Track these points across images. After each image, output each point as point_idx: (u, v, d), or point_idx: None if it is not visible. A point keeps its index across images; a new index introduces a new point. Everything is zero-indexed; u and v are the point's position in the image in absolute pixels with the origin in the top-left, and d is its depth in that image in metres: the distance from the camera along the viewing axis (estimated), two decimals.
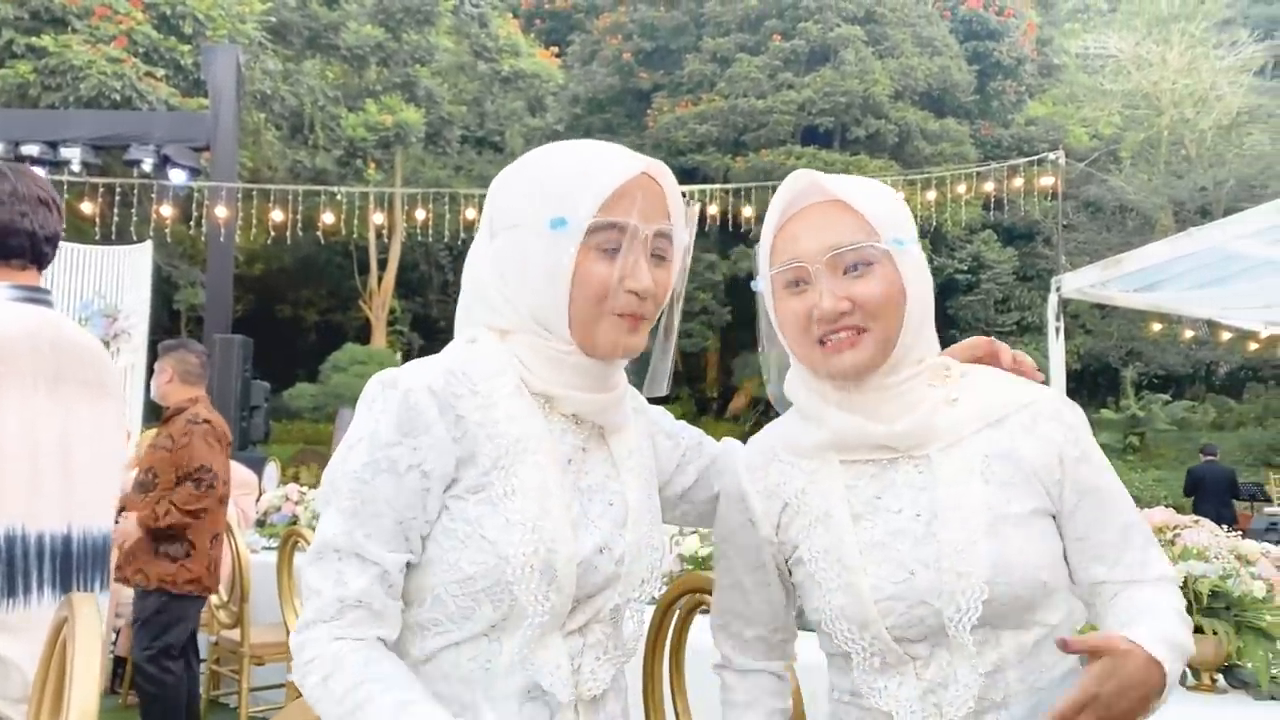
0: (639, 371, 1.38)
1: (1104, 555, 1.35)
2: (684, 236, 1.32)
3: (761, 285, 1.42)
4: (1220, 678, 2.21)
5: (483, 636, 1.21)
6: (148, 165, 11.80)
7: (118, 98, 16.60)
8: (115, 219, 13.13)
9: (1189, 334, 18.97)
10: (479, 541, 1.19)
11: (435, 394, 1.22)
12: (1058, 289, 11.75)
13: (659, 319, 1.33)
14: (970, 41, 29.47)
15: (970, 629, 1.27)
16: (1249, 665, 2.08)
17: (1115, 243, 22.49)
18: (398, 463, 1.19)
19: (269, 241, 15.75)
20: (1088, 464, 1.36)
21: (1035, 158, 16.11)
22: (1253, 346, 18.23)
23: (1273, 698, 2.08)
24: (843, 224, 1.34)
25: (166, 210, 12.29)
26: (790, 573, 1.45)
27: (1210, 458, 14.55)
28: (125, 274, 11.80)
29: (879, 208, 1.35)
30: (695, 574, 2.06)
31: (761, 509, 1.45)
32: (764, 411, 28.47)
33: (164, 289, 21.53)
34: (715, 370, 29.44)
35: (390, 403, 1.21)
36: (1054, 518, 1.36)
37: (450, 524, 1.22)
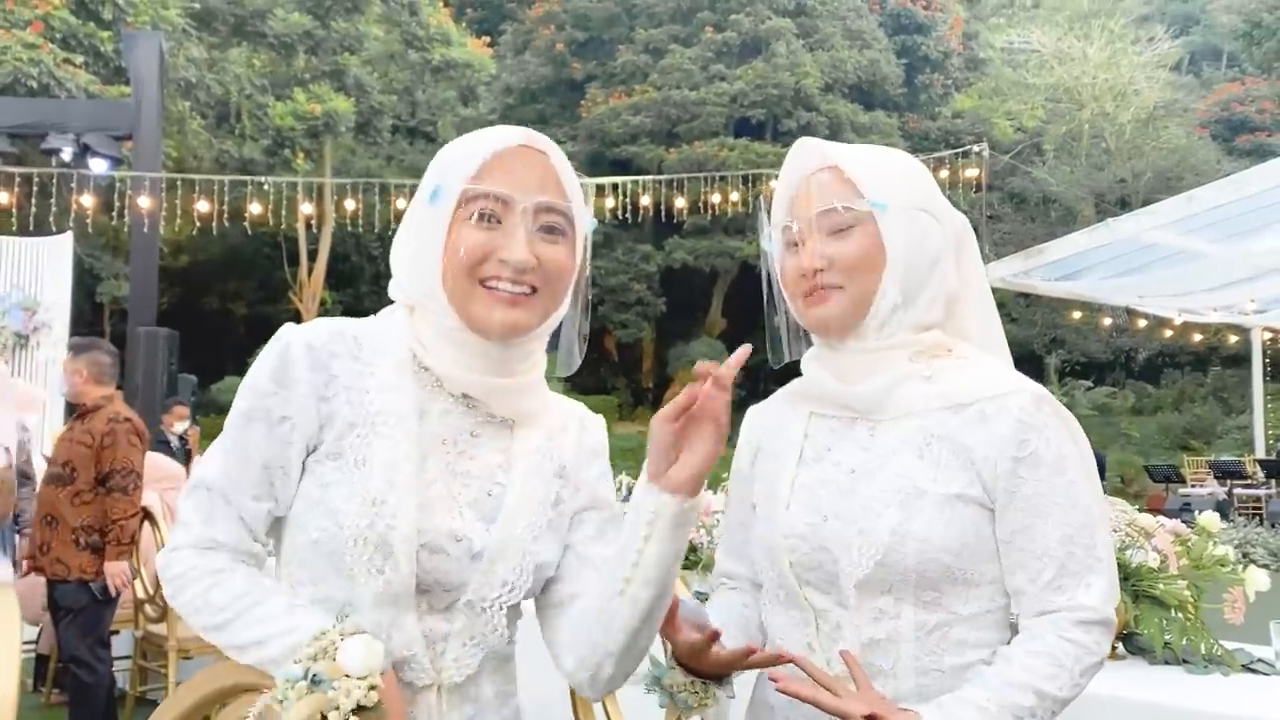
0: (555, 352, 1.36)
1: (1025, 565, 1.33)
2: (584, 216, 1.30)
3: (769, 245, 1.48)
4: (1120, 645, 2.32)
5: (339, 606, 1.20)
6: (67, 154, 11.51)
7: (34, 85, 16.14)
8: (34, 209, 12.78)
9: (1108, 321, 19.55)
10: (323, 508, 1.20)
11: (312, 349, 1.24)
12: None
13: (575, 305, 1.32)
14: (899, 35, 29.93)
15: (858, 586, 1.32)
16: (1145, 632, 2.18)
17: (1039, 233, 23.02)
18: (271, 412, 1.22)
19: (195, 233, 15.45)
20: (1035, 468, 1.32)
21: (961, 150, 16.41)
22: (1168, 333, 18.84)
23: (1167, 662, 2.19)
24: (830, 188, 1.39)
25: (87, 200, 11.98)
26: (755, 508, 1.52)
27: None
28: (45, 266, 11.50)
29: (870, 171, 1.40)
30: None
31: (745, 449, 1.58)
32: None
33: (86, 281, 21.00)
34: (650, 361, 29.53)
35: (271, 354, 1.24)
36: (991, 511, 1.35)
37: (307, 486, 1.23)
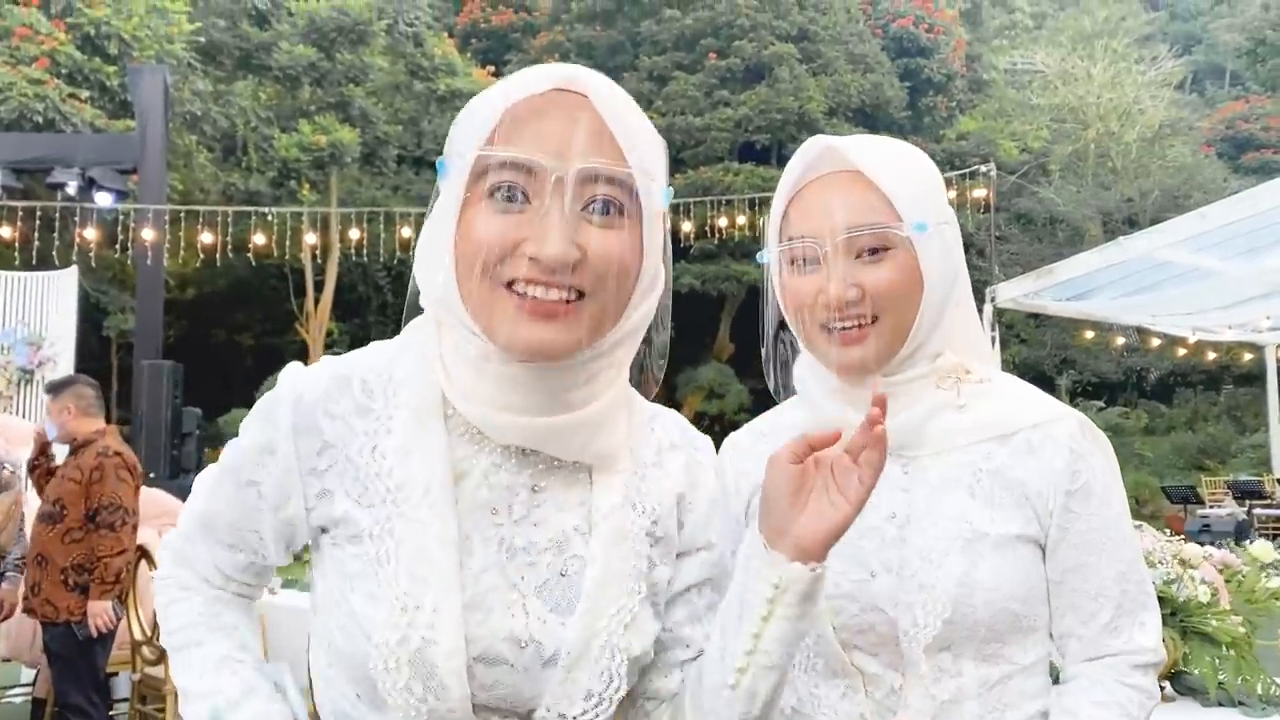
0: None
1: (1078, 607, 1.22)
2: (656, 184, 0.94)
3: (768, 258, 1.30)
4: (1168, 685, 2.18)
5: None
6: (72, 188, 11.49)
7: (40, 120, 16.16)
8: (38, 244, 12.75)
9: (1120, 341, 19.39)
10: (347, 609, 0.94)
11: (301, 409, 0.98)
12: (992, 299, 11.92)
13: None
14: (901, 58, 29.93)
15: (925, 648, 1.17)
16: (1196, 671, 2.05)
17: (1047, 253, 22.90)
18: (241, 471, 1.04)
19: (200, 265, 15.42)
20: (1087, 500, 1.22)
21: (967, 170, 16.34)
22: (1181, 352, 18.67)
23: (1220, 704, 2.06)
24: (863, 201, 1.20)
25: (91, 234, 11.96)
26: None
27: None
28: (50, 300, 11.47)
29: (904, 184, 1.21)
30: None
31: (735, 489, 1.37)
32: (709, 427, 28.50)
33: (93, 315, 20.97)
34: (659, 387, 29.39)
35: (263, 406, 1.04)
36: (1043, 549, 1.24)
37: (330, 574, 0.98)
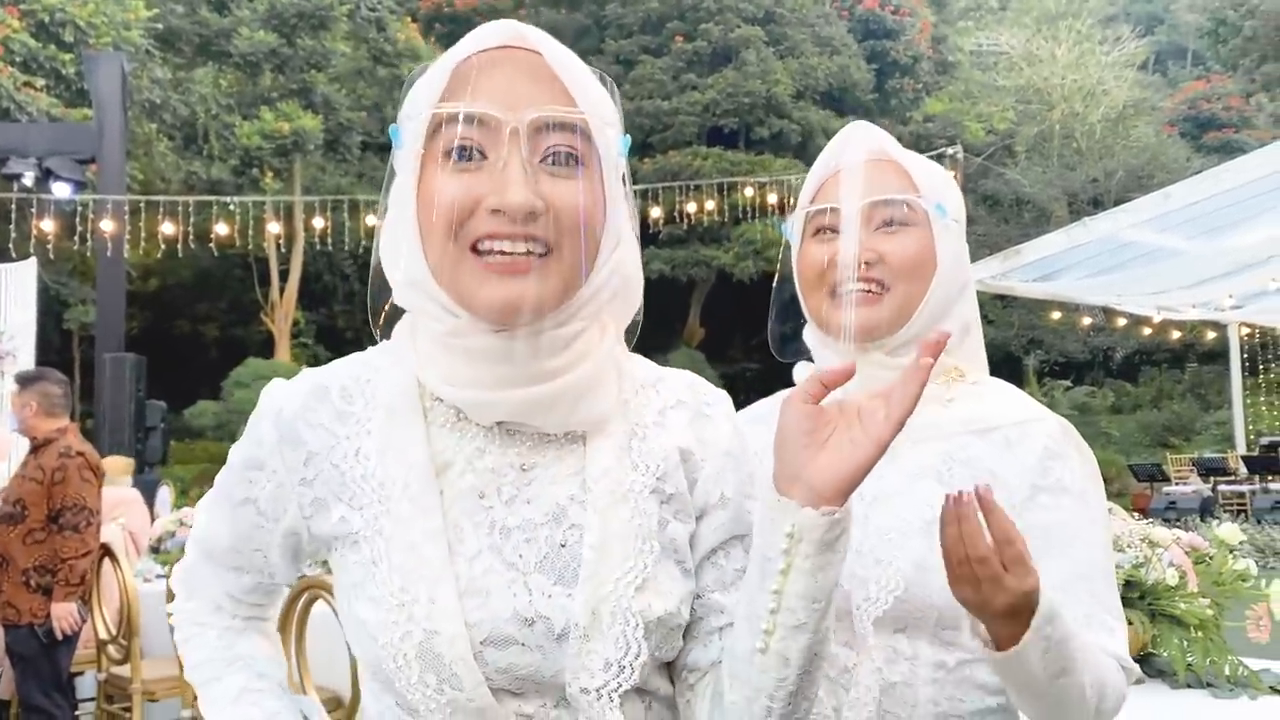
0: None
1: None
2: (610, 129, 0.92)
3: (791, 226, 1.34)
4: (1138, 667, 2.18)
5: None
6: (28, 179, 11.26)
7: None
8: None
9: (1086, 321, 19.57)
10: (354, 619, 0.94)
11: (282, 423, 0.99)
12: None
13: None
14: (868, 40, 29.97)
15: (875, 623, 1.18)
16: (1165, 654, 2.05)
17: (1014, 234, 23.06)
18: (233, 491, 1.06)
19: (163, 255, 15.21)
20: (1059, 497, 1.21)
21: (934, 153, 16.40)
22: (1146, 331, 18.88)
23: (1189, 685, 2.06)
24: (887, 179, 1.27)
25: (49, 225, 11.74)
26: None
27: None
28: (9, 293, 11.23)
29: (931, 176, 1.29)
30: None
31: None
32: None
33: (53, 307, 20.66)
34: None
35: (250, 426, 1.04)
36: None
37: (341, 589, 0.99)
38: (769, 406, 1.43)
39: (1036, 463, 1.23)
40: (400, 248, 0.92)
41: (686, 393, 1.04)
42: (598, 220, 0.92)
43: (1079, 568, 1.18)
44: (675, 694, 1.00)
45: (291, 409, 0.98)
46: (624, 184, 0.95)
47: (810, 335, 1.35)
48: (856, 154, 1.29)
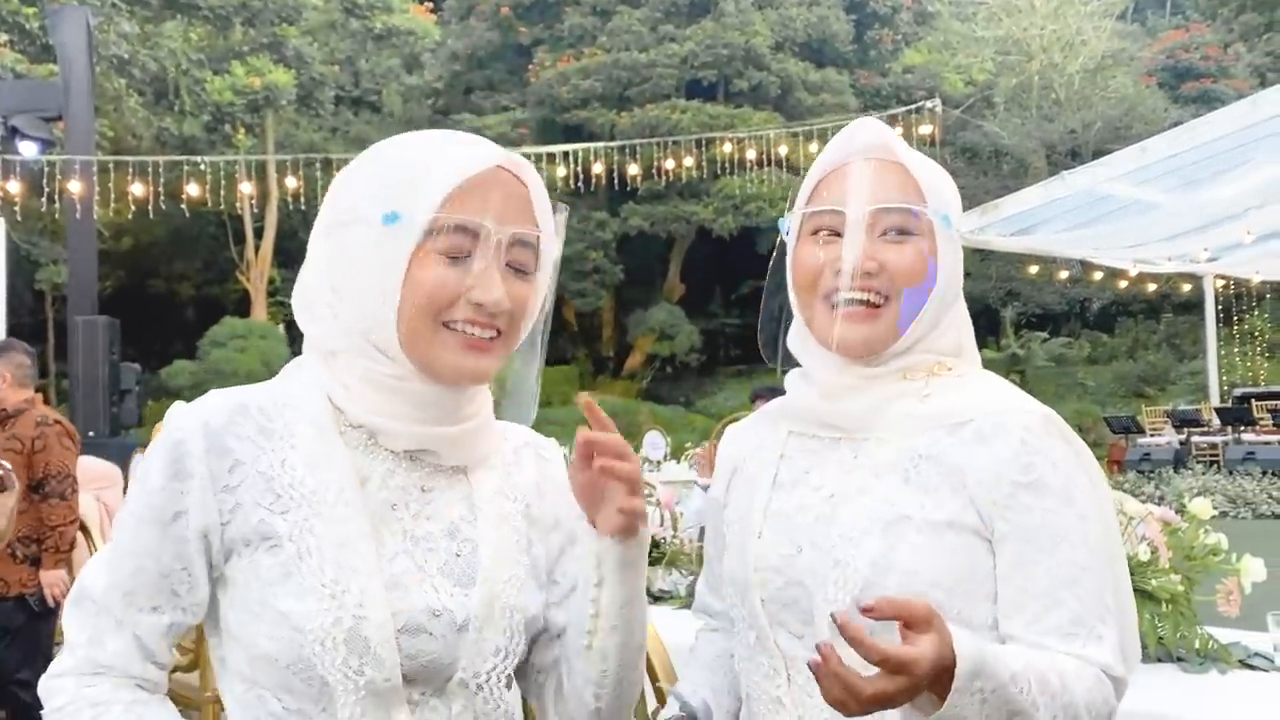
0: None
1: (1024, 607, 1.14)
2: (553, 248, 1.14)
3: (787, 225, 1.29)
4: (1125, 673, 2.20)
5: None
6: None
7: None
8: None
9: (1064, 274, 19.63)
10: (272, 614, 1.03)
11: (209, 432, 1.06)
12: None
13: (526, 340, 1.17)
14: None
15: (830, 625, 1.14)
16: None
17: (993, 187, 23.06)
18: (163, 510, 1.06)
19: (135, 214, 14.99)
20: (1038, 494, 1.15)
21: (913, 106, 16.31)
22: (1122, 283, 18.98)
23: (1159, 659, 2.08)
24: (893, 183, 1.22)
25: (15, 186, 11.53)
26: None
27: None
28: None
29: (937, 181, 1.24)
30: None
31: (722, 470, 1.42)
32: (660, 369, 28.55)
33: (24, 268, 20.39)
34: (610, 329, 29.36)
35: (164, 442, 1.07)
36: (989, 542, 1.18)
37: (245, 594, 1.05)
38: (764, 416, 1.41)
39: (1013, 457, 1.16)
40: (364, 301, 1.08)
41: (529, 437, 1.27)
42: (534, 312, 1.14)
43: (1064, 571, 1.13)
44: (525, 691, 1.24)
45: (218, 422, 1.07)
46: (552, 284, 1.17)
47: (796, 337, 1.31)
48: (862, 153, 1.24)
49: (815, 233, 1.24)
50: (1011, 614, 1.15)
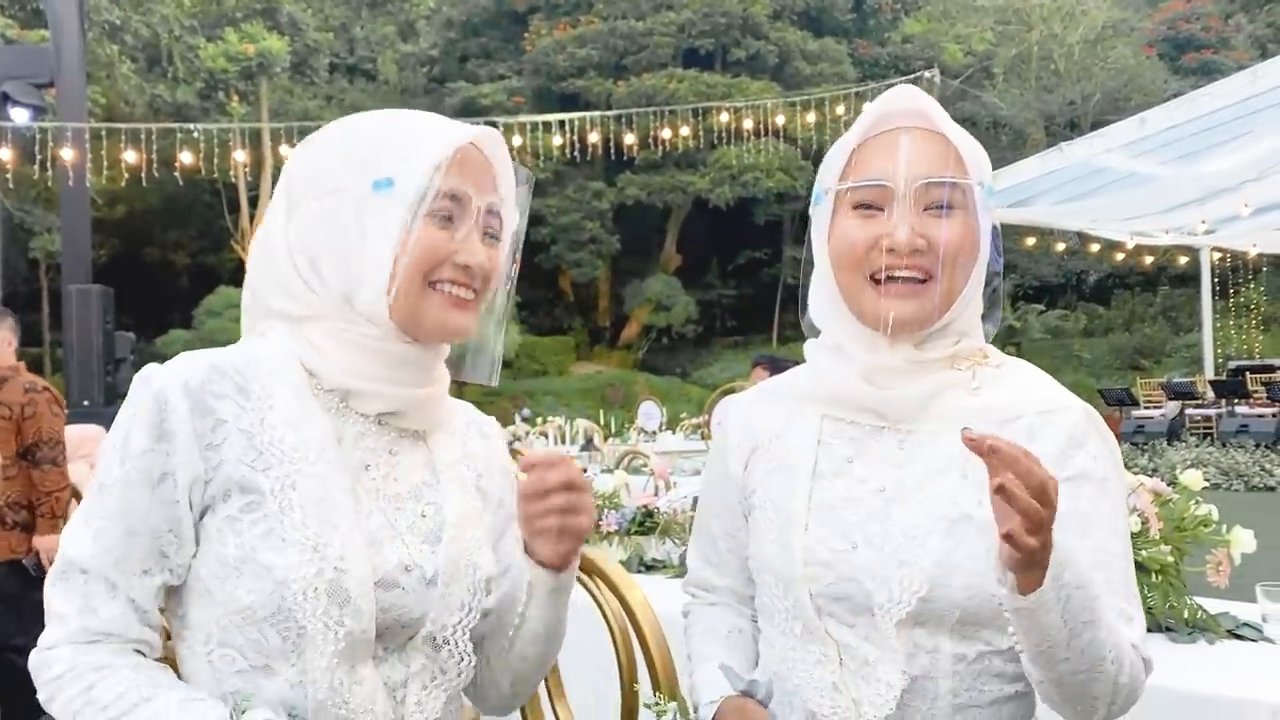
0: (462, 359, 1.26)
1: None
2: (515, 217, 1.22)
3: (822, 199, 1.25)
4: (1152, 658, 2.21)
5: (284, 680, 1.07)
6: None
7: None
8: None
9: (1061, 246, 19.60)
10: (254, 567, 1.05)
11: (191, 391, 1.08)
12: None
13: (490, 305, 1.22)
14: None
15: (898, 623, 1.16)
16: None
17: (990, 157, 22.85)
18: (150, 472, 1.06)
19: (128, 182, 14.89)
20: (1077, 485, 1.17)
21: (912, 76, 16.22)
22: (1119, 256, 18.96)
23: (1149, 630, 2.09)
24: (937, 155, 1.19)
25: (6, 154, 11.45)
26: (747, 517, 1.35)
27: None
28: None
29: (975, 150, 1.22)
30: None
31: (735, 446, 1.37)
32: (656, 339, 28.55)
33: (18, 236, 20.31)
34: (606, 300, 29.33)
35: (143, 404, 1.07)
36: None
37: (222, 549, 1.07)
38: (777, 384, 1.39)
39: (1058, 453, 1.18)
40: (353, 262, 1.12)
41: (474, 415, 1.33)
42: (501, 277, 1.21)
43: (1097, 556, 1.15)
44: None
45: (197, 381, 1.09)
46: (515, 250, 1.24)
47: (828, 314, 1.28)
48: (903, 122, 1.21)
49: (856, 207, 1.21)
50: None
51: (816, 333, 1.30)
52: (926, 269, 1.18)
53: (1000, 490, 0.95)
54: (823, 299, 1.27)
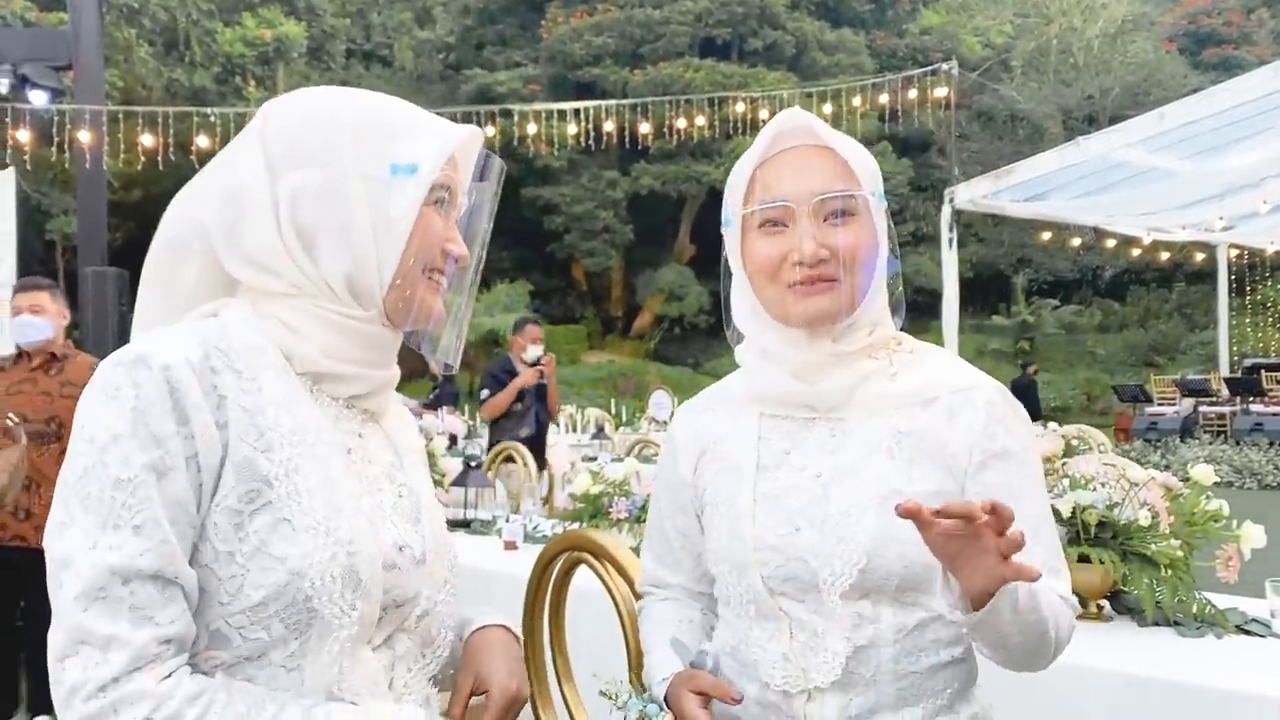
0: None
1: None
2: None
3: (731, 223, 1.38)
4: (1106, 604, 2.21)
5: (279, 667, 1.02)
6: (3, 86, 10.97)
7: None
8: None
9: (1076, 241, 19.48)
10: (264, 560, 0.99)
11: (195, 368, 1.01)
12: (951, 200, 11.88)
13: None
14: None
15: (842, 595, 1.26)
16: (1134, 592, 2.07)
17: (1007, 151, 22.85)
18: (178, 458, 0.98)
19: (144, 166, 14.93)
20: (1003, 460, 1.30)
21: (929, 69, 16.13)
22: (1135, 251, 18.82)
23: (1157, 624, 2.09)
24: (829, 170, 1.31)
25: (24, 135, 11.50)
26: (699, 516, 1.46)
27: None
28: None
29: (863, 160, 1.33)
30: (575, 532, 1.96)
31: (684, 451, 1.48)
32: (669, 329, 28.53)
33: (35, 218, 20.39)
34: (619, 289, 29.31)
35: (149, 386, 0.98)
36: None
37: (223, 546, 1.00)
38: (715, 392, 1.52)
39: (981, 428, 1.30)
40: (366, 243, 1.11)
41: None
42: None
43: (1029, 522, 1.25)
44: None
45: (197, 358, 1.03)
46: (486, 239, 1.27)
47: (753, 320, 1.39)
48: (792, 142, 1.33)
49: (762, 225, 1.33)
50: None
51: (740, 339, 1.42)
52: (833, 274, 1.30)
53: (952, 540, 1.06)
54: (746, 309, 1.39)
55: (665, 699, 1.34)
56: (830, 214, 1.30)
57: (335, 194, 1.08)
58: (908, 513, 1.04)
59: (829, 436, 1.34)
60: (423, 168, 1.11)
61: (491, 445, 5.95)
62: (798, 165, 1.31)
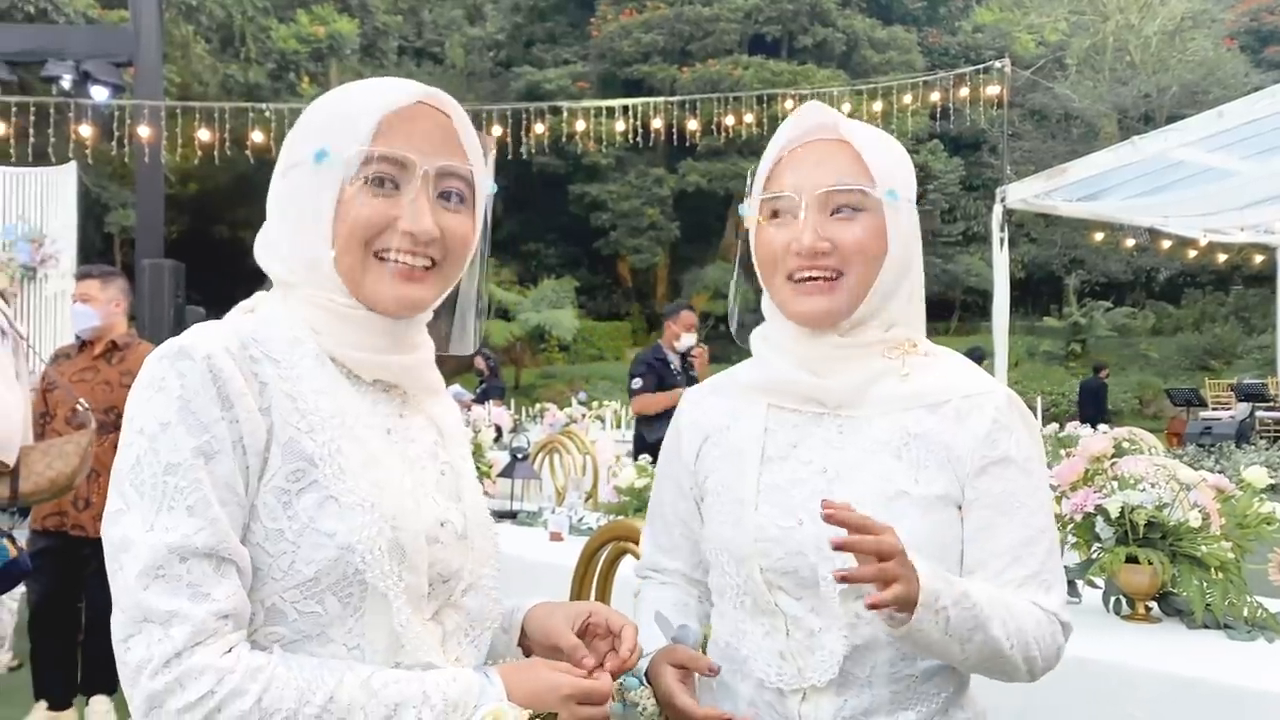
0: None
1: (987, 564, 1.29)
2: (485, 180, 1.19)
3: (748, 210, 1.39)
4: (1155, 606, 2.19)
5: (340, 645, 1.05)
6: (67, 82, 11.24)
7: (32, 10, 15.82)
8: (33, 139, 12.57)
9: (1130, 242, 19.15)
10: (314, 536, 1.03)
11: (236, 357, 1.05)
12: (1003, 200, 11.75)
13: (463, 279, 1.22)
14: None
15: (841, 593, 1.26)
16: (1183, 594, 2.05)
17: (1061, 151, 22.52)
18: (225, 441, 1.02)
19: (201, 160, 15.21)
20: (1004, 467, 1.30)
21: (982, 66, 15.94)
22: (1191, 253, 18.46)
23: (1206, 626, 2.07)
24: (842, 164, 1.31)
25: (86, 130, 11.77)
26: (699, 503, 1.46)
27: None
28: (49, 197, 11.30)
29: (883, 157, 1.32)
30: (621, 522, 1.98)
31: (688, 436, 1.48)
32: (714, 327, 28.49)
33: (94, 211, 20.84)
34: (664, 286, 29.31)
35: (192, 375, 1.02)
36: (959, 509, 1.32)
37: (273, 524, 1.04)
38: (725, 377, 1.51)
39: (985, 435, 1.30)
40: (300, 236, 1.13)
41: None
42: (471, 244, 1.19)
43: (1026, 532, 1.28)
44: None
45: (236, 347, 1.07)
46: (485, 218, 1.22)
47: (766, 309, 1.41)
48: (811, 136, 1.34)
49: (774, 215, 1.34)
50: (975, 570, 1.29)
51: (740, 328, 1.44)
52: (835, 268, 1.29)
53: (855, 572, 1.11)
54: (764, 297, 1.40)
55: (645, 674, 1.33)
56: (837, 208, 1.30)
57: (296, 189, 1.13)
58: (831, 518, 1.09)
59: (836, 433, 1.34)
60: (335, 152, 1.09)
61: (637, 440, 5.71)
62: (812, 159, 1.32)
